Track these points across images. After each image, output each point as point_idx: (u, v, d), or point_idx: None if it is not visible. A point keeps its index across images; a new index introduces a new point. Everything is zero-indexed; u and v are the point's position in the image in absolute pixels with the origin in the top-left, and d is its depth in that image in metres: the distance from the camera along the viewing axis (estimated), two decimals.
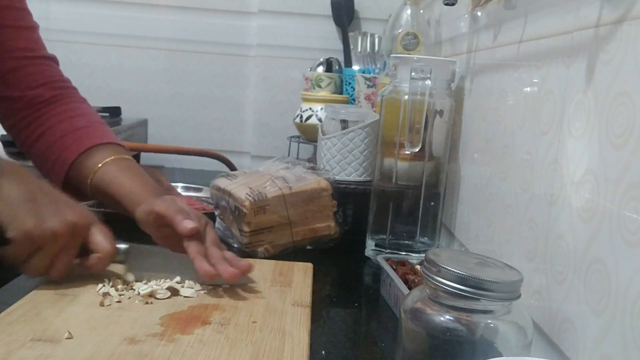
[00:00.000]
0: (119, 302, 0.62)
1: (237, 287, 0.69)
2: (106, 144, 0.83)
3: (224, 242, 0.90)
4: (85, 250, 0.66)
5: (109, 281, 0.66)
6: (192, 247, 0.68)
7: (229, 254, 0.71)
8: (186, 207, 0.72)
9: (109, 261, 0.67)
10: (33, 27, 0.87)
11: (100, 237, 0.66)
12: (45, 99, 0.84)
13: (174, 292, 0.65)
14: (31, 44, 0.86)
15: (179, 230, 0.68)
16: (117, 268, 0.69)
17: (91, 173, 0.79)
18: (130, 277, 0.68)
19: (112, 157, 0.80)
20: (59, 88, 0.87)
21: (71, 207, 0.65)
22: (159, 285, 0.66)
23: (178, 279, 0.68)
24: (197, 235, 0.69)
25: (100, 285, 0.65)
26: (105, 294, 0.64)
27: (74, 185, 0.82)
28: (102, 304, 0.61)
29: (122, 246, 0.69)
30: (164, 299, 0.64)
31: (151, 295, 0.64)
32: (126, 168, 0.80)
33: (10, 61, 0.83)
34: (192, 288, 0.67)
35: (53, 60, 0.90)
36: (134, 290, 0.65)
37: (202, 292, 0.67)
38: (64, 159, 0.81)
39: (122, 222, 0.72)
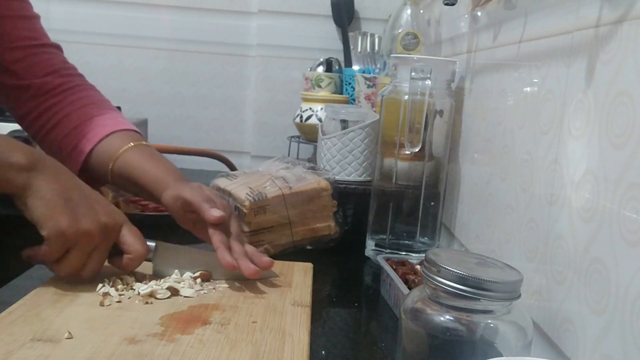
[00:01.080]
0: (119, 302, 0.62)
1: (242, 286, 0.69)
2: (123, 130, 0.84)
3: None
4: (115, 249, 0.67)
5: (109, 281, 0.66)
6: (216, 237, 0.69)
7: (251, 248, 0.73)
8: (213, 196, 0.73)
9: (140, 261, 0.68)
10: (35, 17, 0.88)
11: (131, 238, 0.67)
12: (54, 87, 0.85)
13: (174, 292, 0.65)
14: (34, 33, 0.87)
15: (205, 218, 0.70)
16: (143, 266, 0.69)
17: (112, 160, 0.80)
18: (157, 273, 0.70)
19: (132, 144, 0.81)
20: (66, 76, 0.88)
21: (104, 206, 0.66)
22: (159, 285, 0.65)
23: (178, 278, 0.68)
24: (222, 226, 0.71)
25: (100, 285, 0.65)
26: (105, 294, 0.64)
27: (91, 172, 0.83)
28: (102, 304, 0.61)
29: (150, 244, 0.70)
30: (164, 299, 0.64)
31: (151, 295, 0.64)
32: (149, 154, 0.82)
33: (16, 51, 0.83)
34: (192, 288, 0.67)
35: (57, 48, 0.90)
36: (134, 290, 0.65)
37: (202, 292, 0.67)
38: (82, 147, 0.82)
39: (142, 224, 0.73)
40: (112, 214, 0.66)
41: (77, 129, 0.83)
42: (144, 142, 0.84)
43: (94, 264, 0.65)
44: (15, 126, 0.93)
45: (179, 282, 0.67)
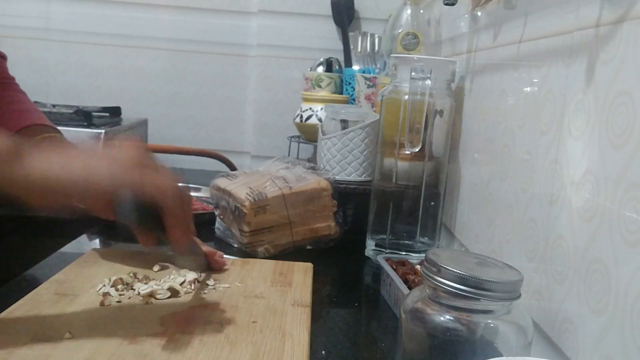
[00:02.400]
0: (118, 302, 0.62)
1: (242, 285, 0.69)
2: (40, 125, 0.82)
3: (224, 242, 0.90)
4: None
5: (109, 281, 0.66)
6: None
7: None
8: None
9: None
10: None
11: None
12: None
13: (174, 292, 0.65)
14: None
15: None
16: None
17: None
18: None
19: (45, 135, 0.80)
20: (1, 79, 0.87)
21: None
22: (159, 285, 0.65)
23: (179, 279, 0.68)
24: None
25: (100, 285, 0.65)
26: (106, 294, 0.63)
27: None
28: (102, 304, 0.61)
29: None
30: (164, 299, 0.64)
31: (151, 295, 0.64)
32: (57, 143, 0.79)
33: None
34: (191, 289, 0.67)
35: (2, 57, 0.90)
36: (134, 290, 0.65)
37: (202, 292, 0.67)
38: None
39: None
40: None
41: None
42: (58, 135, 0.82)
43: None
44: None
45: (180, 283, 0.67)
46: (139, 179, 0.54)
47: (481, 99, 0.79)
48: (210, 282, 0.70)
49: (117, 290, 0.65)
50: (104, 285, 0.65)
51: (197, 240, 0.75)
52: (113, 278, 0.67)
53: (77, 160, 0.55)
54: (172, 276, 0.69)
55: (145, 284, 0.66)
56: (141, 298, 0.63)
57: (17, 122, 0.81)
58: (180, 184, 0.58)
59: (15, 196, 0.53)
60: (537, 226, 0.56)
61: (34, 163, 0.53)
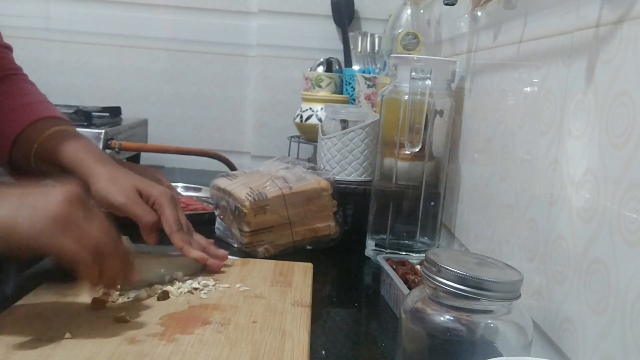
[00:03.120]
0: (118, 298, 0.62)
1: (242, 285, 0.69)
2: (51, 117, 0.82)
3: (224, 242, 0.90)
4: None
5: None
6: (176, 237, 0.72)
7: (200, 237, 0.76)
8: (143, 185, 0.73)
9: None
10: None
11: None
12: None
13: (165, 295, 0.65)
14: None
15: (141, 226, 0.71)
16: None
17: (35, 143, 0.77)
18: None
19: (57, 128, 0.79)
20: (5, 70, 0.86)
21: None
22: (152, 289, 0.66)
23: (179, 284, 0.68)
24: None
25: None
26: (106, 294, 0.63)
27: (20, 161, 0.81)
28: (102, 305, 0.61)
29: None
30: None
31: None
32: (70, 136, 0.79)
33: None
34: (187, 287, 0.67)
35: (7, 48, 0.89)
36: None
37: (202, 292, 0.67)
38: (9, 133, 0.79)
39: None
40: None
41: (7, 115, 0.81)
42: (70, 127, 0.81)
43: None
44: None
45: (173, 285, 0.67)
46: (59, 240, 0.52)
47: (481, 99, 0.79)
48: (210, 282, 0.69)
49: (117, 290, 0.65)
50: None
51: (198, 236, 0.76)
52: None
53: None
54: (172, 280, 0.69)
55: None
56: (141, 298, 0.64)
57: (28, 115, 0.81)
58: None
59: None
60: (537, 226, 0.56)
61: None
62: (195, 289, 0.67)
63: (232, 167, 1.25)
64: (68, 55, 1.60)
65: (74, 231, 0.53)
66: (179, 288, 0.66)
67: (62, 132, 0.79)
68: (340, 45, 1.53)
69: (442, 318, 0.44)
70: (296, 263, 0.79)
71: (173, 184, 1.13)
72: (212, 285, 0.69)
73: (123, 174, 0.74)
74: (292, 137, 1.37)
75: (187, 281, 0.69)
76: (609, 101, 0.44)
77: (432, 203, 0.87)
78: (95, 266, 0.54)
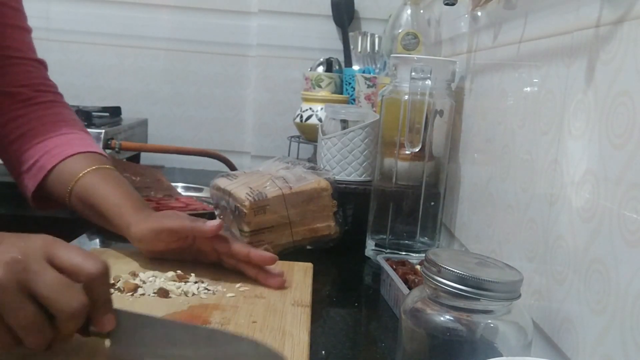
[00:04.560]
0: (119, 291, 0.62)
1: (242, 285, 0.69)
2: (90, 152, 0.80)
3: None
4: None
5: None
6: (249, 270, 0.71)
7: (252, 249, 0.72)
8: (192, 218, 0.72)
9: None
10: (26, 29, 0.86)
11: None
12: (26, 98, 0.82)
13: (164, 293, 0.65)
14: (20, 45, 0.84)
15: (206, 233, 0.69)
16: (98, 342, 0.50)
17: (72, 181, 0.76)
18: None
19: (95, 167, 0.77)
20: (41, 91, 0.84)
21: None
22: (150, 287, 0.66)
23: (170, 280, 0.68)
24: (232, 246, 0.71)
25: None
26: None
27: (48, 193, 0.79)
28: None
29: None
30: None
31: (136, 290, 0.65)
32: (110, 178, 0.77)
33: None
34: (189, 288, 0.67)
35: (42, 64, 0.88)
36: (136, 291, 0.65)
37: (202, 292, 0.67)
38: (43, 163, 0.78)
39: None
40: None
41: (41, 144, 0.79)
42: (109, 166, 0.80)
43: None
44: None
45: (172, 283, 0.67)
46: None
47: (481, 99, 0.79)
48: (210, 282, 0.69)
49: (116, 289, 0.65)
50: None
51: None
52: (114, 278, 0.67)
53: None
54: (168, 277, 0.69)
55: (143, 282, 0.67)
56: (139, 296, 0.63)
57: (70, 147, 0.79)
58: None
59: None
60: (537, 226, 0.56)
61: None
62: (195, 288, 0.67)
63: (232, 167, 1.25)
64: (68, 55, 1.60)
65: (36, 281, 0.44)
66: (178, 287, 0.66)
67: (98, 172, 0.77)
68: (340, 45, 1.53)
69: (442, 318, 0.44)
70: (296, 263, 0.79)
71: (173, 184, 1.14)
72: (212, 286, 0.68)
73: (173, 212, 0.74)
74: (292, 137, 1.37)
75: (188, 282, 0.69)
76: (609, 101, 0.44)
77: (432, 203, 0.87)
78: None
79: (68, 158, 0.78)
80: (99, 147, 0.84)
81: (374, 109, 1.12)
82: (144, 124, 1.56)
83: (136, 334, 0.49)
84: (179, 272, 0.69)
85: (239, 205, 0.83)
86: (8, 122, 0.81)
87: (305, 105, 1.29)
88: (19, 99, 0.82)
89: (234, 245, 0.71)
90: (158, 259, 0.73)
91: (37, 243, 0.46)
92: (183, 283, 0.67)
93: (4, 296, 0.43)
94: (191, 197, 1.13)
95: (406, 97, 0.80)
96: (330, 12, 1.55)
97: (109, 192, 0.75)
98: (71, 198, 0.77)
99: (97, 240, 0.88)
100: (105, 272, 0.47)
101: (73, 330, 0.46)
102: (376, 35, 1.43)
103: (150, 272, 0.69)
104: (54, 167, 0.77)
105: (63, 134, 0.81)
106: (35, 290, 0.44)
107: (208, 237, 0.70)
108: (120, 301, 0.62)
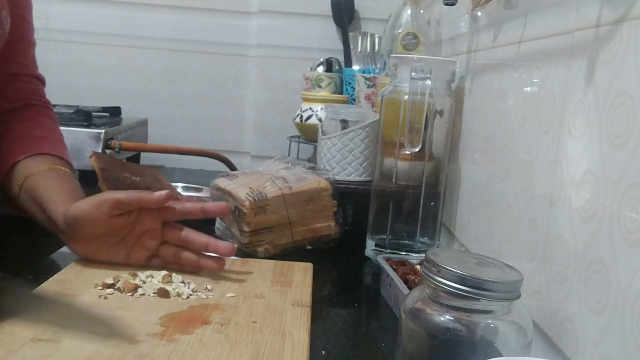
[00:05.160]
0: (119, 291, 0.62)
1: (242, 285, 0.69)
2: (55, 156, 0.80)
3: None
4: None
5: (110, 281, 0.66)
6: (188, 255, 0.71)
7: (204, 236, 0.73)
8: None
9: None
10: (33, 44, 0.87)
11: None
12: (17, 107, 0.84)
13: (164, 293, 0.65)
14: (26, 60, 0.86)
15: (155, 201, 0.68)
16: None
17: (24, 177, 0.75)
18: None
19: (51, 167, 0.77)
20: (35, 101, 0.86)
21: None
22: (150, 287, 0.66)
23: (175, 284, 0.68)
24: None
25: (100, 286, 0.65)
26: (106, 285, 0.64)
27: (5, 191, 0.79)
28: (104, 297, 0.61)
29: None
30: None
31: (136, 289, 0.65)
32: (62, 177, 0.76)
33: (2, 74, 0.82)
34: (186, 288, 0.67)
35: (40, 80, 0.89)
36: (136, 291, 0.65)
37: (202, 292, 0.67)
38: (7, 160, 0.78)
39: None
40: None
41: (13, 142, 0.79)
42: (66, 169, 0.78)
43: None
44: None
45: (170, 284, 0.67)
46: None
47: (481, 99, 0.79)
48: (210, 282, 0.69)
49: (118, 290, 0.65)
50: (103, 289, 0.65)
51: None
52: (114, 277, 0.67)
53: None
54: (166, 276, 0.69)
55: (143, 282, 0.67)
56: (139, 296, 0.63)
57: (32, 147, 0.79)
58: None
59: None
60: (537, 226, 0.56)
61: None
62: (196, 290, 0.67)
63: (232, 167, 1.25)
64: (68, 55, 1.60)
65: None
66: (175, 288, 0.66)
67: (57, 172, 0.76)
68: (340, 45, 1.53)
69: (442, 318, 0.44)
70: (296, 263, 0.79)
71: (173, 184, 1.14)
72: (211, 286, 0.68)
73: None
74: (292, 137, 1.37)
75: (187, 282, 0.68)
76: (608, 101, 0.44)
77: (432, 203, 0.87)
78: None
79: (28, 157, 0.78)
80: (67, 155, 0.83)
81: (374, 109, 1.12)
82: (143, 124, 1.56)
83: None
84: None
85: (239, 205, 0.83)
86: None
87: (305, 105, 1.29)
88: (8, 108, 0.83)
89: (186, 232, 0.71)
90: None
91: None
92: (183, 284, 0.67)
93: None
94: (191, 197, 1.13)
95: (406, 97, 0.80)
96: (330, 12, 1.55)
97: (51, 185, 0.74)
98: (21, 195, 0.76)
99: None
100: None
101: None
102: (376, 35, 1.43)
103: (148, 272, 0.69)
104: (14, 164, 0.77)
105: (35, 137, 0.81)
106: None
107: (156, 207, 0.69)
108: (120, 301, 0.62)
